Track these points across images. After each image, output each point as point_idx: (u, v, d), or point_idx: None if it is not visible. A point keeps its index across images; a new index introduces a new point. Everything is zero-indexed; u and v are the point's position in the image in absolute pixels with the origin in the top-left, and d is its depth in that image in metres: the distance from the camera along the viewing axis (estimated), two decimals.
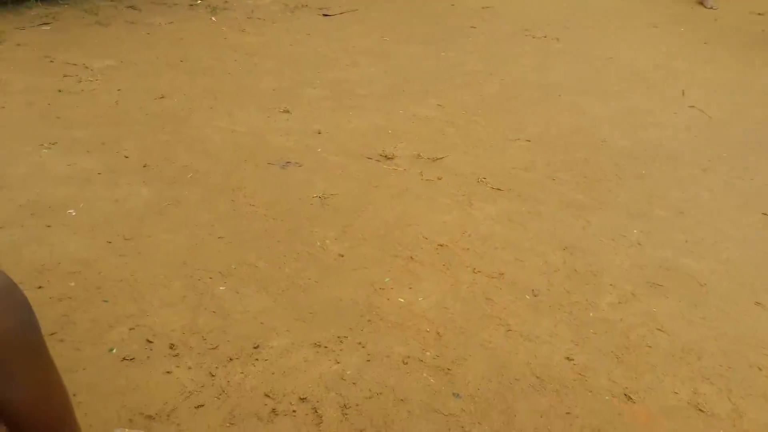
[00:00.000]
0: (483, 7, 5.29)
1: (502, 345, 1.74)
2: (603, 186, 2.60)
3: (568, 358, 1.70)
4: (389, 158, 2.70)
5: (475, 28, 4.72)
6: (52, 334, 1.63)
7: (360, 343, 1.70)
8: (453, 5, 5.35)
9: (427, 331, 1.77)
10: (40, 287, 1.80)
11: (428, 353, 1.69)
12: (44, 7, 4.43)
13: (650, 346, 1.75)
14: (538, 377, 1.63)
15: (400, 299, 1.88)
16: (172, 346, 1.64)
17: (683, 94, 3.61)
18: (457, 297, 1.91)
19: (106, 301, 1.78)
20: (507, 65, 3.95)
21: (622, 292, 1.97)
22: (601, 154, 2.86)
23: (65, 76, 3.30)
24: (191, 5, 4.79)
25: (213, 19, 4.50)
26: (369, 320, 1.79)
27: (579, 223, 2.33)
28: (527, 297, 1.93)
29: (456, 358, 1.68)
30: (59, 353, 1.58)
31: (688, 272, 2.09)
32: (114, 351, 1.61)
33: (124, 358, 1.59)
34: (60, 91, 3.12)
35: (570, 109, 3.34)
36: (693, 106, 3.44)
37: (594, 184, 2.60)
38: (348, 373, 1.60)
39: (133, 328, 1.69)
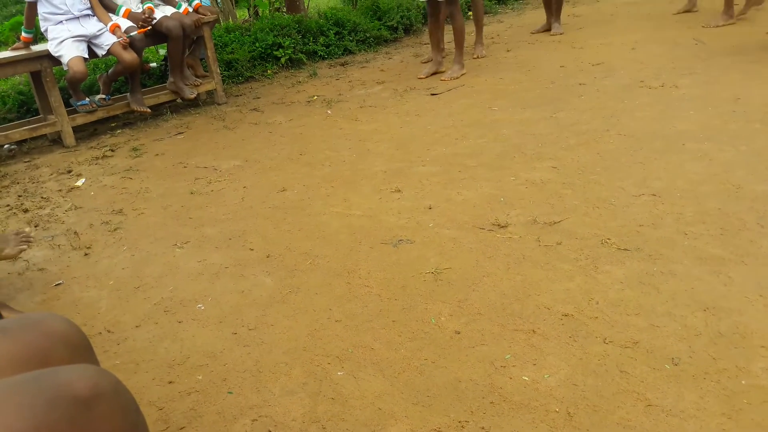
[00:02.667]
0: (593, 64, 5.17)
1: (642, 423, 1.57)
2: (743, 237, 2.35)
3: None
4: (503, 227, 2.63)
5: (585, 85, 4.61)
6: (181, 428, 1.69)
7: (483, 428, 1.60)
8: (563, 66, 5.28)
9: (557, 411, 1.64)
10: (170, 382, 1.88)
11: None
12: (178, 118, 4.91)
13: None
14: None
15: (524, 377, 1.77)
16: None
17: None
18: (588, 371, 1.77)
19: (230, 392, 1.82)
20: (624, 119, 3.79)
21: None
22: (736, 203, 2.61)
23: (196, 179, 3.59)
24: (308, 102, 5.10)
25: (329, 112, 4.75)
26: (491, 402, 1.69)
27: (719, 280, 2.11)
28: (667, 367, 1.75)
29: None
30: None
31: None
32: None
33: None
34: (192, 193, 3.39)
35: (697, 157, 3.11)
36: None
37: (732, 236, 2.37)
38: None
39: (256, 419, 1.71)
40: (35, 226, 3.15)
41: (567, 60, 5.46)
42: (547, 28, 6.76)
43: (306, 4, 7.58)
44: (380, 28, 7.15)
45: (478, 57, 5.96)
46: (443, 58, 5.61)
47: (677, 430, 1.53)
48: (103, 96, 4.74)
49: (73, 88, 4.48)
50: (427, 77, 5.45)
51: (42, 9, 4.39)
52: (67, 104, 4.63)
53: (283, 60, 6.30)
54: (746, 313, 1.93)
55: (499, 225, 2.66)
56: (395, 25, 7.35)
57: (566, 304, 2.08)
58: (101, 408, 0.91)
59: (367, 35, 6.99)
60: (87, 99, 4.56)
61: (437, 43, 5.49)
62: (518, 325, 2.00)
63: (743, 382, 1.66)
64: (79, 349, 1.11)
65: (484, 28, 6.28)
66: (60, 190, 3.63)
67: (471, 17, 7.32)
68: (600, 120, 3.83)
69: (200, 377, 1.90)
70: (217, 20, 5.97)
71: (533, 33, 6.80)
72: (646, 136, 3.47)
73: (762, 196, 2.65)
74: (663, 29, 6.12)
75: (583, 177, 3.05)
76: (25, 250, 2.41)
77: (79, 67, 4.26)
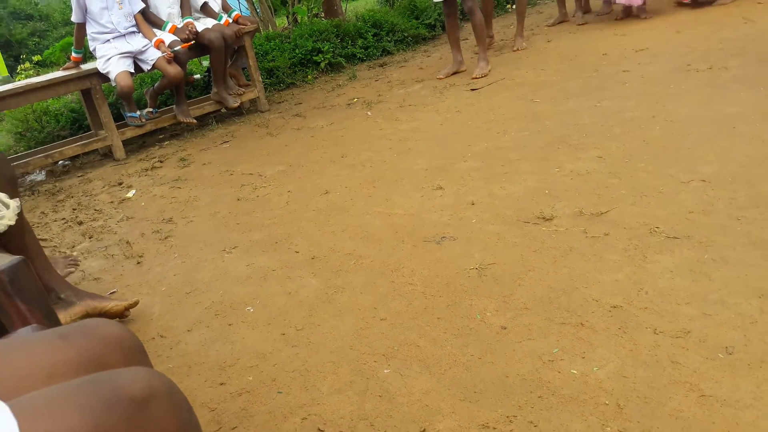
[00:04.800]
0: (637, 50, 5.05)
1: (695, 413, 1.52)
2: None
3: None
4: (548, 219, 2.60)
5: (629, 72, 4.50)
6: (233, 428, 1.73)
7: (532, 422, 1.59)
8: (605, 54, 5.17)
9: (606, 404, 1.61)
10: (222, 384, 1.93)
11: (609, 428, 1.53)
12: (223, 127, 5.02)
13: None
14: None
15: (572, 371, 1.75)
16: None
17: None
18: (638, 363, 1.73)
19: (280, 392, 1.86)
20: (670, 104, 3.69)
21: None
22: None
23: (243, 185, 3.66)
24: (348, 104, 5.14)
25: (369, 113, 4.77)
26: (539, 396, 1.67)
27: None
28: (720, 356, 1.70)
29: None
30: None
31: None
32: None
33: None
34: (239, 199, 3.46)
35: (748, 140, 3.00)
36: None
37: None
38: None
39: (306, 418, 1.73)
40: (89, 238, 3.27)
41: (609, 47, 5.34)
42: (563, 20, 6.68)
43: (344, 8, 7.64)
44: (418, 27, 7.16)
45: (518, 49, 5.90)
46: (462, 57, 5.57)
47: (733, 421, 1.48)
48: (150, 109, 4.89)
49: (126, 100, 4.62)
50: (446, 77, 5.42)
51: (90, 29, 4.55)
52: (116, 119, 4.80)
53: (322, 65, 6.37)
54: None
55: (544, 218, 2.62)
56: (433, 23, 7.33)
57: (615, 295, 2.04)
58: (156, 409, 0.95)
59: (405, 35, 7.00)
60: (138, 112, 4.71)
61: (456, 43, 5.47)
62: (566, 318, 1.97)
63: None
64: (133, 352, 1.15)
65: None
66: (112, 202, 3.76)
67: (511, 9, 7.27)
68: (645, 107, 3.74)
69: (251, 378, 1.94)
70: (257, 29, 6.07)
71: (549, 26, 6.71)
72: (694, 121, 3.37)
73: None
74: (709, 10, 5.93)
75: (630, 165, 2.98)
76: (72, 273, 2.50)
77: (126, 81, 4.40)
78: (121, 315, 2.35)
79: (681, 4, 6.20)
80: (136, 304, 2.37)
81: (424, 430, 1.62)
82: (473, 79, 5.19)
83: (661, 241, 2.31)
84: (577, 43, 5.77)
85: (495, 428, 1.59)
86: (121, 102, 4.78)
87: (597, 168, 3.03)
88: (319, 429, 1.69)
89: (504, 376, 1.77)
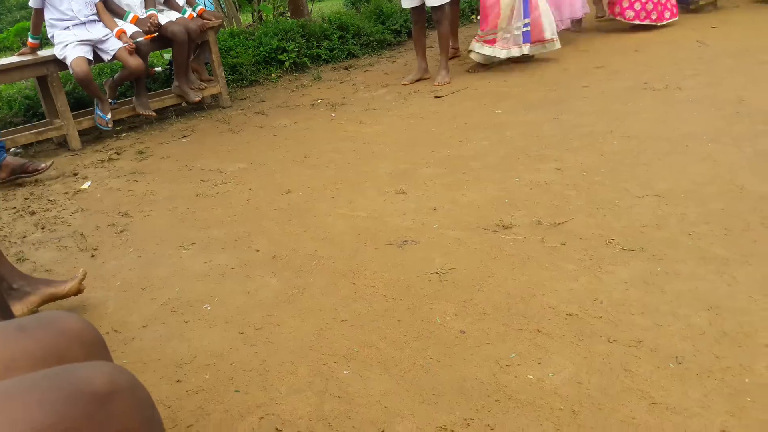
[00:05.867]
0: (596, 67, 5.19)
1: (646, 420, 1.58)
2: (747, 237, 2.36)
3: (723, 431, 1.50)
4: (507, 228, 2.65)
5: (588, 87, 4.62)
6: (189, 426, 1.71)
7: (488, 426, 1.62)
8: (565, 69, 5.30)
9: (561, 410, 1.65)
10: (178, 381, 1.90)
11: None
12: (183, 122, 4.94)
13: None
14: None
15: (528, 376, 1.78)
16: None
17: None
18: (592, 370, 1.78)
19: (237, 391, 1.84)
20: (627, 121, 3.80)
21: None
22: (740, 203, 2.62)
23: (202, 181, 3.61)
24: (313, 105, 5.12)
25: (333, 115, 4.77)
26: (496, 400, 1.70)
27: (723, 280, 2.12)
28: (671, 365, 1.76)
29: None
30: None
31: None
32: None
33: None
34: (198, 195, 3.41)
35: (701, 158, 3.12)
36: None
37: (736, 236, 2.37)
38: None
39: (263, 417, 1.72)
40: (42, 228, 3.17)
41: (570, 63, 5.47)
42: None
43: (310, 9, 7.61)
44: (384, 32, 7.18)
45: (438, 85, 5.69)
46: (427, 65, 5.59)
47: (681, 428, 1.54)
48: (109, 100, 4.77)
49: (88, 89, 4.47)
50: (410, 83, 5.46)
51: (48, 15, 4.42)
52: (73, 108, 4.67)
53: (287, 64, 6.33)
54: (750, 313, 1.93)
55: (503, 226, 2.67)
56: (398, 28, 7.37)
57: (571, 303, 2.09)
58: (118, 404, 0.93)
59: (371, 39, 7.02)
60: (108, 115, 4.56)
61: (422, 50, 5.51)
62: (523, 324, 2.01)
63: (747, 380, 1.66)
64: (94, 346, 1.13)
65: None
66: (66, 193, 3.66)
67: (476, 20, 7.33)
68: (604, 122, 3.84)
69: (207, 376, 1.92)
70: (221, 25, 6.00)
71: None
72: (649, 138, 3.49)
73: (766, 196, 2.66)
74: (666, 32, 6.13)
75: (587, 178, 3.06)
76: None
77: (82, 68, 4.28)
78: (78, 292, 2.29)
79: (638, 26, 6.38)
80: (84, 275, 2.31)
81: (383, 431, 1.63)
82: (435, 86, 5.24)
83: (616, 253, 2.37)
84: (538, 57, 5.88)
85: (453, 431, 1.61)
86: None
87: (555, 179, 3.10)
88: (276, 429, 1.68)
89: (462, 379, 1.79)
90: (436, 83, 5.27)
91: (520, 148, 3.57)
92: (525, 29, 5.37)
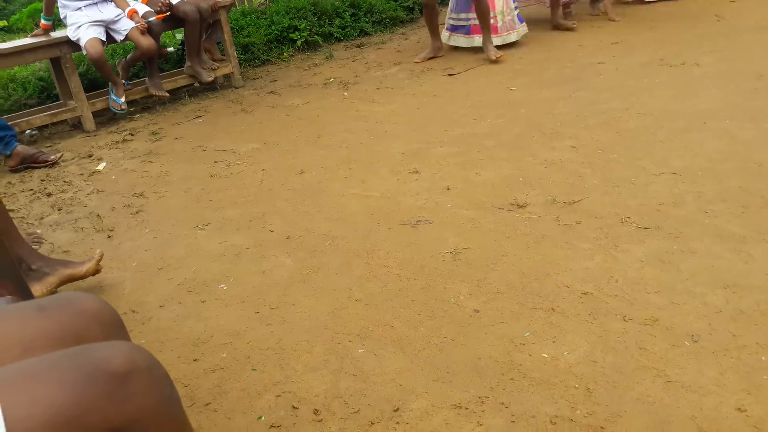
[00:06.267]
0: (612, 43, 5.11)
1: (661, 398, 1.58)
2: (764, 215, 2.33)
3: (739, 409, 1.50)
4: (522, 206, 2.63)
5: (604, 64, 4.56)
6: (207, 404, 1.73)
7: (503, 404, 1.62)
8: (580, 45, 5.22)
9: (576, 387, 1.65)
10: (195, 360, 1.92)
11: (578, 411, 1.57)
12: (196, 102, 4.94)
13: None
14: None
15: (543, 354, 1.79)
16: (316, 412, 1.67)
17: None
18: (607, 348, 1.78)
19: (254, 369, 1.86)
20: (643, 98, 3.75)
21: None
22: (758, 180, 2.58)
23: (216, 162, 3.62)
24: (325, 84, 5.10)
25: (345, 94, 4.75)
26: (511, 378, 1.71)
27: (740, 258, 2.10)
28: (686, 343, 1.75)
29: (610, 415, 1.55)
30: (213, 423, 1.67)
31: None
32: (262, 419, 1.67)
33: (271, 426, 1.64)
34: (212, 176, 3.42)
35: (718, 135, 3.08)
36: None
37: (753, 214, 2.35)
38: None
39: (280, 395, 1.74)
40: (58, 210, 3.20)
41: (585, 39, 5.39)
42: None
43: None
44: (396, 9, 7.11)
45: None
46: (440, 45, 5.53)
47: (696, 406, 1.54)
48: (123, 81, 4.78)
49: (102, 71, 4.47)
50: (423, 62, 5.40)
51: None
52: (87, 90, 4.68)
53: (299, 43, 6.30)
54: (767, 291, 1.92)
55: (518, 205, 2.66)
56: (411, 5, 7.29)
57: (586, 282, 2.09)
58: (137, 383, 0.94)
59: (383, 16, 6.95)
60: (122, 98, 4.58)
61: (435, 28, 5.45)
62: (537, 303, 2.01)
63: (763, 358, 1.66)
64: (112, 326, 1.14)
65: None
66: (81, 174, 3.69)
67: None
68: (619, 99, 3.79)
69: (224, 355, 1.94)
70: (233, 4, 5.97)
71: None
72: (666, 115, 3.44)
73: None
74: (684, 7, 6.02)
75: (603, 156, 3.03)
76: (36, 249, 2.46)
77: (96, 49, 4.29)
78: (95, 272, 2.32)
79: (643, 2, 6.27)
80: (101, 255, 2.34)
81: (398, 408, 1.64)
82: (493, 61, 5.08)
83: (632, 231, 2.36)
84: (553, 33, 5.81)
85: (467, 408, 1.62)
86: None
87: (570, 157, 3.07)
88: (293, 406, 1.70)
89: (477, 357, 1.80)
90: (491, 58, 5.09)
91: (534, 126, 3.54)
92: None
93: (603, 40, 5.26)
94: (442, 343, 1.88)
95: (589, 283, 2.08)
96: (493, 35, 5.28)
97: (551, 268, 2.19)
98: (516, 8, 5.46)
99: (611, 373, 1.68)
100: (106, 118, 4.75)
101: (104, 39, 4.44)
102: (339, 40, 6.61)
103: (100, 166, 3.77)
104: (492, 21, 5.28)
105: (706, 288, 1.98)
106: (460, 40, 5.57)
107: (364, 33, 6.78)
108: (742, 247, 2.17)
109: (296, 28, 6.34)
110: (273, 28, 6.26)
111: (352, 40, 6.64)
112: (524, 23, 5.54)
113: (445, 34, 5.66)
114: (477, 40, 5.45)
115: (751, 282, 1.97)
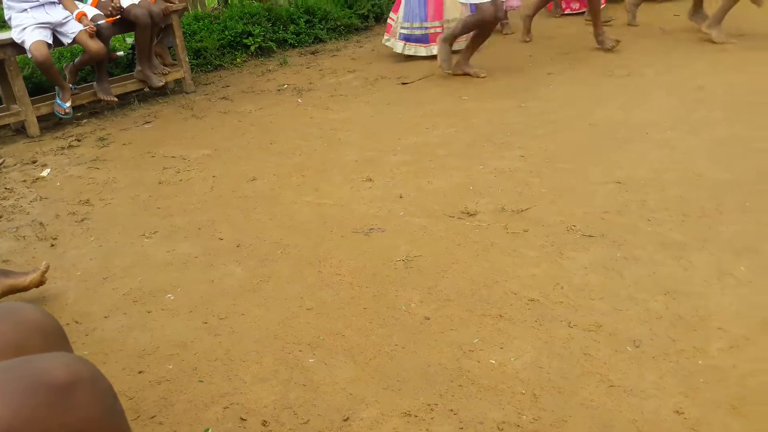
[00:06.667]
0: (562, 54, 5.24)
1: (604, 402, 1.62)
2: (703, 223, 2.42)
3: (677, 411, 1.55)
4: (472, 215, 2.67)
5: (553, 74, 4.67)
6: (152, 417, 1.69)
7: (452, 410, 1.64)
8: (531, 55, 5.34)
9: (522, 393, 1.68)
10: (140, 372, 1.88)
11: (524, 417, 1.60)
12: (146, 107, 4.85)
13: None
14: None
15: (491, 360, 1.81)
16: (264, 423, 1.65)
17: None
18: (553, 354, 1.82)
19: (201, 381, 1.83)
20: (590, 108, 3.86)
21: (733, 335, 1.80)
22: (698, 190, 2.69)
23: (165, 168, 3.56)
24: (279, 90, 5.07)
25: (299, 101, 4.73)
26: (460, 385, 1.73)
27: (680, 264, 2.18)
28: (629, 349, 1.81)
29: (555, 420, 1.58)
30: None
31: None
32: (210, 431, 1.64)
33: None
34: (160, 182, 3.36)
35: (660, 146, 3.19)
36: None
37: (693, 222, 2.44)
38: None
39: (227, 407, 1.72)
40: None
41: (536, 50, 5.51)
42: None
43: None
44: (351, 17, 7.13)
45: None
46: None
47: (637, 410, 1.58)
48: (70, 85, 4.66)
49: (48, 74, 4.34)
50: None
51: None
52: (32, 93, 4.54)
53: (252, 48, 6.25)
54: (705, 297, 1.99)
55: (468, 213, 2.69)
56: (366, 13, 7.33)
57: (532, 289, 2.13)
58: (79, 395, 0.92)
59: (338, 23, 6.97)
60: (68, 103, 4.45)
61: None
62: (486, 310, 2.04)
63: (700, 362, 1.72)
64: (53, 337, 1.11)
65: None
66: (24, 181, 3.57)
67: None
68: (567, 109, 3.89)
69: (171, 366, 1.90)
70: (185, 8, 5.89)
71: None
72: (611, 126, 3.54)
73: (722, 183, 2.73)
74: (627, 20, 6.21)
75: (550, 165, 3.10)
76: None
77: (41, 52, 4.16)
78: (39, 284, 2.25)
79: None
80: (47, 267, 2.26)
81: (348, 418, 1.64)
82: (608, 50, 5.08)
83: (577, 239, 2.42)
84: (504, 44, 5.92)
85: (417, 416, 1.63)
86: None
87: (519, 167, 3.13)
88: (241, 418, 1.68)
89: (426, 365, 1.81)
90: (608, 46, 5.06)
91: (485, 135, 3.60)
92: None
93: (553, 51, 5.38)
94: (393, 351, 1.89)
95: (536, 289, 2.12)
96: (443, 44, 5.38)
97: (499, 275, 2.22)
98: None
99: (556, 379, 1.72)
100: (51, 123, 4.62)
101: (51, 42, 4.32)
102: (293, 46, 6.59)
103: (44, 173, 3.66)
104: (438, 30, 5.40)
105: (648, 294, 2.04)
106: (419, 49, 5.62)
107: (318, 40, 6.78)
108: (682, 254, 2.25)
109: (250, 34, 6.29)
110: (226, 33, 6.20)
111: (306, 46, 6.62)
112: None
113: (398, 44, 5.70)
114: (435, 48, 5.49)
115: (690, 288, 2.05)
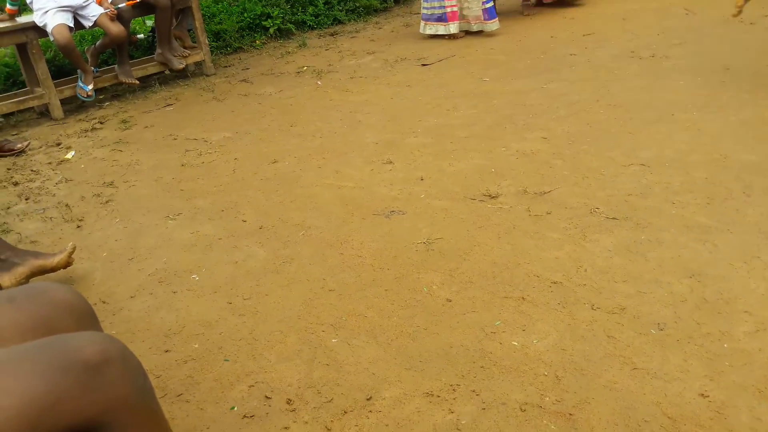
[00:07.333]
0: (584, 35, 5.16)
1: (627, 385, 1.62)
2: (729, 205, 2.39)
3: (702, 395, 1.55)
4: (494, 197, 2.66)
5: (575, 55, 4.61)
6: (179, 395, 1.73)
7: (474, 391, 1.65)
8: (552, 36, 5.27)
9: (545, 375, 1.68)
10: (167, 351, 1.91)
11: (547, 398, 1.61)
12: (167, 90, 4.88)
13: None
14: (669, 417, 1.49)
15: (513, 342, 1.82)
16: (289, 401, 1.67)
17: None
18: (576, 336, 1.82)
19: (227, 360, 1.86)
20: (614, 89, 3.81)
21: (759, 319, 1.78)
22: (724, 172, 2.65)
23: (187, 151, 3.58)
24: (298, 72, 5.07)
25: (319, 83, 4.72)
26: (482, 366, 1.73)
27: (705, 248, 2.15)
28: (653, 332, 1.80)
29: (578, 402, 1.58)
30: (186, 413, 1.67)
31: None
32: (235, 409, 1.67)
33: (244, 416, 1.64)
34: (183, 165, 3.39)
35: (686, 127, 3.14)
36: None
37: (719, 205, 2.41)
38: (463, 422, 1.55)
39: (253, 386, 1.75)
40: (26, 199, 3.14)
41: (558, 30, 5.44)
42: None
43: None
44: None
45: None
46: None
47: (661, 392, 1.58)
48: (92, 68, 4.69)
49: (71, 57, 4.38)
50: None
51: None
52: (54, 76, 4.58)
53: (271, 30, 6.24)
54: (730, 280, 1.97)
55: (490, 195, 2.68)
56: None
57: (555, 271, 2.12)
58: (110, 373, 0.94)
59: (357, 4, 6.93)
60: (90, 86, 4.49)
61: None
62: (508, 292, 2.04)
63: (725, 345, 1.71)
64: (84, 317, 1.14)
65: None
66: (50, 163, 3.62)
67: None
68: (590, 90, 3.84)
69: (196, 346, 1.93)
70: None
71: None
72: (635, 107, 3.50)
73: (748, 165, 2.69)
74: (654, 0, 6.10)
75: (573, 147, 3.07)
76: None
77: (64, 35, 4.20)
78: (66, 265, 2.29)
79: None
80: (74, 248, 2.30)
81: (371, 397, 1.66)
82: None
83: (601, 222, 2.40)
84: (525, 24, 5.85)
85: (439, 396, 1.64)
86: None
87: (542, 148, 3.11)
88: (266, 396, 1.70)
89: (448, 346, 1.82)
90: None
91: (507, 117, 3.57)
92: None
93: (575, 32, 5.31)
94: (415, 332, 1.90)
95: (559, 272, 2.12)
96: (463, 22, 5.38)
97: (522, 258, 2.22)
98: (489, 0, 5.48)
99: (579, 361, 1.72)
100: (74, 105, 4.66)
101: (72, 25, 4.35)
102: (312, 28, 6.57)
103: (69, 155, 3.70)
104: (455, 9, 5.38)
105: (672, 277, 2.02)
106: (439, 28, 5.58)
107: (337, 21, 6.75)
108: (707, 237, 2.22)
109: (269, 16, 6.28)
110: (245, 15, 6.20)
111: (325, 28, 6.60)
112: (497, 18, 5.56)
113: (421, 24, 5.69)
114: (453, 27, 5.48)
115: (715, 271, 2.03)
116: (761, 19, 4.92)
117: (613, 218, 2.41)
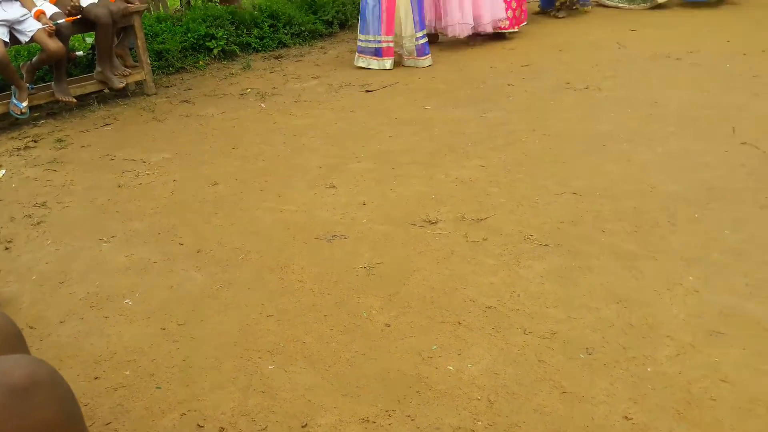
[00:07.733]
0: (522, 66, 5.34)
1: (557, 409, 1.67)
2: (655, 234, 2.51)
3: (626, 417, 1.61)
4: (433, 223, 2.71)
5: (513, 86, 4.76)
6: (107, 424, 1.68)
7: (409, 416, 1.67)
8: (492, 67, 5.43)
9: (478, 399, 1.72)
10: (96, 378, 1.86)
11: (480, 423, 1.64)
12: (106, 109, 4.78)
13: (714, 399, 1.65)
14: None
15: (449, 367, 1.85)
16: (222, 430, 1.66)
17: (734, 131, 3.49)
18: (508, 361, 1.86)
19: (159, 387, 1.82)
20: (549, 120, 3.95)
21: (679, 343, 1.87)
22: (651, 201, 2.78)
23: (124, 171, 3.51)
24: (242, 94, 5.05)
25: (263, 105, 4.72)
26: (417, 391, 1.76)
27: (632, 274, 2.25)
28: (581, 356, 1.86)
29: (509, 426, 1.62)
30: None
31: (751, 317, 1.97)
32: None
33: None
34: (119, 186, 3.32)
35: (616, 158, 3.29)
36: (745, 143, 3.32)
37: (646, 233, 2.52)
38: None
39: (185, 414, 1.72)
40: None
41: (497, 61, 5.61)
42: None
43: None
44: (315, 22, 7.13)
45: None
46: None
47: (588, 416, 1.64)
48: (27, 85, 4.55)
49: (4, 73, 4.23)
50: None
51: None
52: None
53: (215, 51, 6.20)
54: (654, 305, 2.07)
55: (429, 221, 2.73)
56: (330, 19, 7.34)
57: (490, 297, 2.18)
58: (38, 396, 0.92)
59: (302, 29, 6.96)
60: (24, 103, 4.35)
61: None
62: (445, 317, 2.08)
63: (649, 369, 1.79)
64: (11, 339, 1.11)
65: None
66: None
67: None
68: (527, 120, 3.97)
69: (127, 373, 1.89)
70: (146, 9, 5.82)
71: None
72: (569, 137, 3.63)
73: (674, 195, 2.83)
74: (589, 33, 6.37)
75: (509, 176, 3.17)
76: None
77: None
78: None
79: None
80: None
81: (306, 425, 1.65)
82: None
83: (534, 248, 2.48)
84: (467, 54, 6.00)
85: (374, 422, 1.65)
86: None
87: (479, 176, 3.19)
88: (198, 425, 1.68)
89: (385, 371, 1.84)
90: None
91: (447, 145, 3.65)
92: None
93: (514, 63, 5.48)
94: (353, 357, 1.91)
95: (493, 297, 2.17)
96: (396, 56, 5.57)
97: (459, 283, 2.27)
98: (423, 37, 5.62)
99: (511, 385, 1.76)
100: (7, 123, 4.51)
101: (7, 39, 4.22)
102: (257, 50, 6.57)
103: None
104: (390, 45, 5.53)
105: (601, 303, 2.11)
106: (372, 62, 5.67)
107: (282, 45, 6.76)
108: (634, 264, 2.32)
109: (213, 37, 6.24)
110: (189, 35, 6.14)
111: (270, 51, 6.60)
112: (429, 54, 5.68)
113: (355, 56, 5.80)
114: (388, 63, 5.58)
115: (641, 297, 2.12)
116: (687, 55, 5.21)
117: (546, 245, 2.49)
